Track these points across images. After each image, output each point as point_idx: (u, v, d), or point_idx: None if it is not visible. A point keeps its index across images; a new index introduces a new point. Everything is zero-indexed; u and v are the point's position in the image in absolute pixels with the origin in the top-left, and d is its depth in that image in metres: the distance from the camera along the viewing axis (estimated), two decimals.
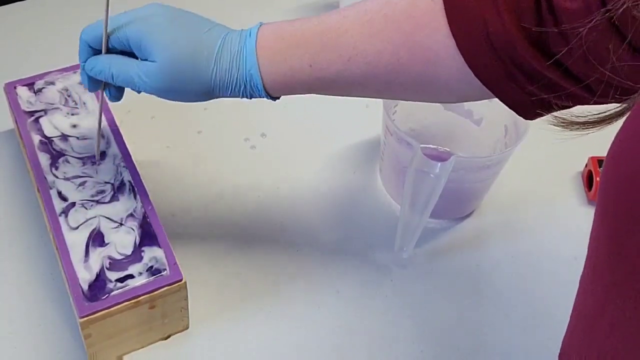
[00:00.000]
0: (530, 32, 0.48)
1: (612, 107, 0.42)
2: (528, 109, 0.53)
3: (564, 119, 0.46)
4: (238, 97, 0.58)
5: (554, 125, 0.47)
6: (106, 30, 0.57)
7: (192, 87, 0.56)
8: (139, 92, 0.59)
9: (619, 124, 0.40)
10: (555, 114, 0.47)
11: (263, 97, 0.58)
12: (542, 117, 0.53)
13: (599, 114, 0.43)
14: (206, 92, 0.57)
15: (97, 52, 0.58)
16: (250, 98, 0.58)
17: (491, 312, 0.70)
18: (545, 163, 0.82)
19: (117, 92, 0.62)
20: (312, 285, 0.70)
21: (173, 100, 0.58)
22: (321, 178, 0.79)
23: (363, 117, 0.85)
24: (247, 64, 0.56)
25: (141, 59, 0.57)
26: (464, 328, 0.68)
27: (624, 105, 0.41)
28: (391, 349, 0.66)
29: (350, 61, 0.54)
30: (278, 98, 0.59)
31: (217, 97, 0.58)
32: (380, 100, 0.71)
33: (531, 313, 0.70)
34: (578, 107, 0.49)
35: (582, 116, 0.45)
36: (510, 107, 0.54)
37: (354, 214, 0.76)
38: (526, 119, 0.55)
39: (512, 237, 0.76)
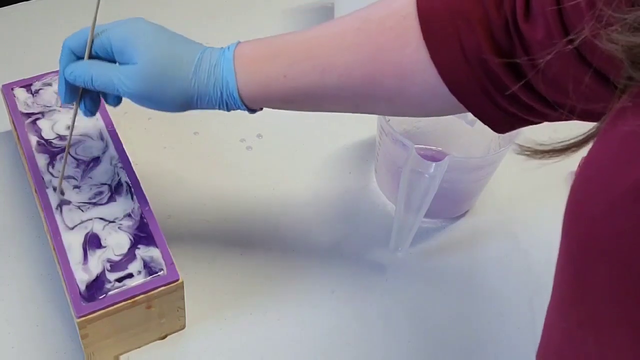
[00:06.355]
0: (501, 48, 0.49)
1: (576, 136, 0.42)
2: (501, 123, 0.53)
3: (528, 147, 0.46)
4: (215, 107, 0.58)
5: (519, 154, 0.46)
6: (92, 36, 0.57)
7: (170, 94, 0.56)
8: (118, 98, 0.59)
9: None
10: (519, 143, 0.47)
11: (240, 108, 0.58)
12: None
13: (563, 142, 0.43)
14: (185, 100, 0.57)
15: (80, 59, 0.58)
16: (228, 109, 0.58)
17: (485, 312, 0.70)
18: (539, 163, 0.82)
19: (92, 104, 0.61)
20: (307, 285, 0.70)
21: (151, 108, 0.58)
22: (317, 178, 0.79)
23: (358, 118, 0.85)
24: (223, 71, 0.56)
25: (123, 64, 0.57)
26: (458, 327, 0.69)
27: (589, 132, 0.40)
28: (386, 348, 0.67)
29: (323, 73, 0.54)
30: (255, 111, 0.59)
31: (195, 108, 0.58)
32: None
33: (525, 312, 0.70)
34: (542, 135, 0.48)
35: (546, 144, 0.44)
36: (483, 121, 0.54)
37: (349, 214, 0.76)
38: (498, 132, 0.55)
39: (506, 236, 0.76)
